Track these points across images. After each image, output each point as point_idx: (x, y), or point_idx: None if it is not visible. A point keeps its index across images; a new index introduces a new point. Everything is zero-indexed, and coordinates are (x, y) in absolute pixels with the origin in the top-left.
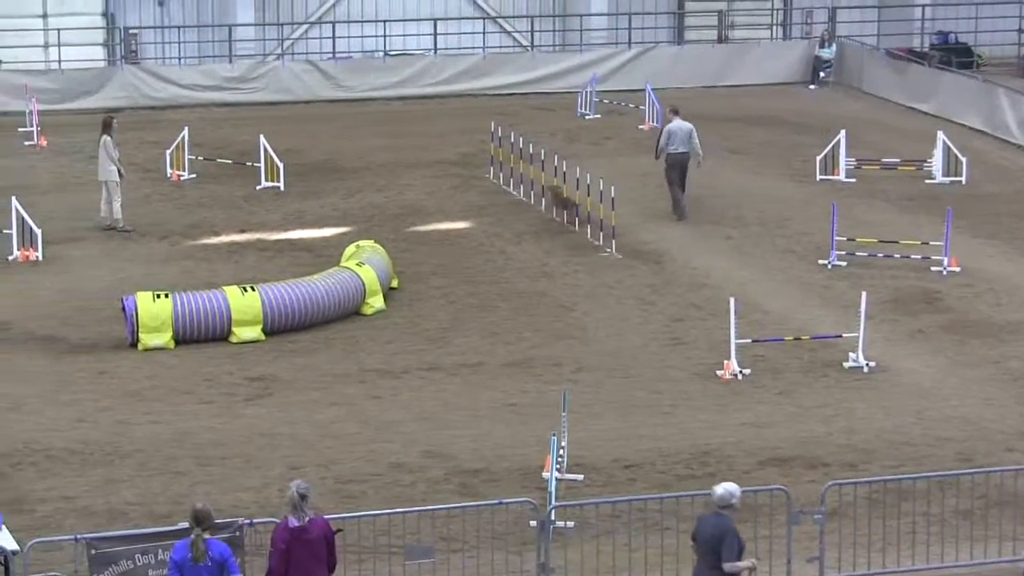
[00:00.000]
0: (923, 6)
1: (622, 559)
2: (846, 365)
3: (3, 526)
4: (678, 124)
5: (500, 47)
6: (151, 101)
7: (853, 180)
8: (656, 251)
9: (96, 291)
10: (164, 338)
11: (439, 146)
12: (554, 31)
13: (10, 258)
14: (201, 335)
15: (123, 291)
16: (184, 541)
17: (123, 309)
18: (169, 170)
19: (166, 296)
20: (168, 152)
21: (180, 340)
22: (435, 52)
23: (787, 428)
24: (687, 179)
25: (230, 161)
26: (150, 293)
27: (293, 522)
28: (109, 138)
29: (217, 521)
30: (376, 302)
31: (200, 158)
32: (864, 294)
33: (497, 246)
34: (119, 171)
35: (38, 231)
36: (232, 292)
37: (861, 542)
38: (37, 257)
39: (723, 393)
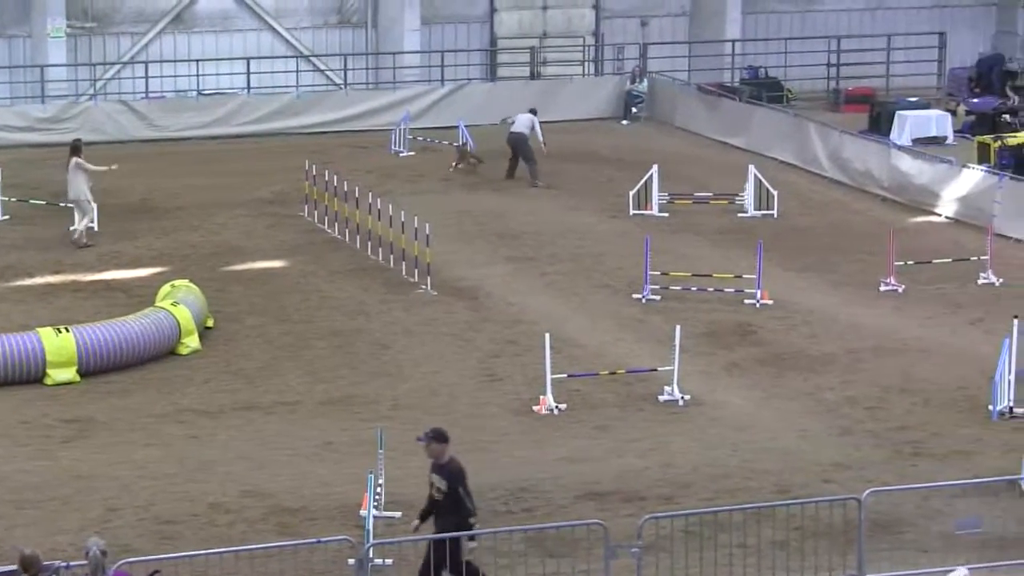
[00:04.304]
0: (733, 41)
1: None
2: (661, 398)
3: None
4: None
5: (313, 85)
6: None
7: (666, 215)
8: (472, 288)
9: None
10: None
11: (254, 185)
12: (367, 69)
13: None
14: (15, 377)
15: None
16: None
17: None
18: None
19: None
20: None
21: None
22: (248, 91)
23: (604, 462)
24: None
25: (44, 202)
26: None
27: None
28: (81, 160)
29: None
30: (191, 342)
31: (13, 199)
32: (678, 327)
33: (313, 284)
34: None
35: None
36: (46, 334)
37: (678, 575)
38: None
39: (539, 428)
